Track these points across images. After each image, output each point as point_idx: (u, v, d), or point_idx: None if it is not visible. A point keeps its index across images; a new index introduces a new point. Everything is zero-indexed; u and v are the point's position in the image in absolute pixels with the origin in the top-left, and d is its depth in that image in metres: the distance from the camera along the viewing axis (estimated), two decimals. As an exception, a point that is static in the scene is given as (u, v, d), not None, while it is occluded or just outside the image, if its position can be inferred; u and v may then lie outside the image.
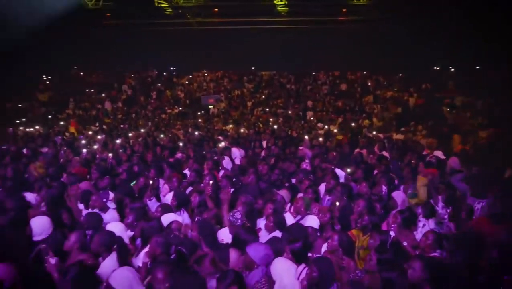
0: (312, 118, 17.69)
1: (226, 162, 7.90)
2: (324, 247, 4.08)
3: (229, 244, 4.08)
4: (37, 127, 14.81)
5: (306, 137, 11.06)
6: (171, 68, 26.66)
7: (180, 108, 21.13)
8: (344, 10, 21.66)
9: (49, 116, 19.05)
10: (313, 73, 24.69)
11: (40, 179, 6.20)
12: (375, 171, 7.10)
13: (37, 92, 22.14)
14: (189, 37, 23.85)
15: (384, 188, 5.86)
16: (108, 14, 22.43)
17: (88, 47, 22.51)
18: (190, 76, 25.75)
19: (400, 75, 23.05)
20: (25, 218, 4.59)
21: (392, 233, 4.05)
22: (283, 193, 5.56)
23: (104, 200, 5.21)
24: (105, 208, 5.16)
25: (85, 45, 22.33)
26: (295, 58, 23.38)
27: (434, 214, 4.91)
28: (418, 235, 4.45)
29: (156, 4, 20.73)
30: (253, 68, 25.76)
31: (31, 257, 3.97)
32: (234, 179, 6.45)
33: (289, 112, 19.41)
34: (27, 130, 13.92)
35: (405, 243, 4.06)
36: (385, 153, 8.85)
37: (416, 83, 20.25)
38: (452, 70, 22.23)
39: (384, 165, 7.48)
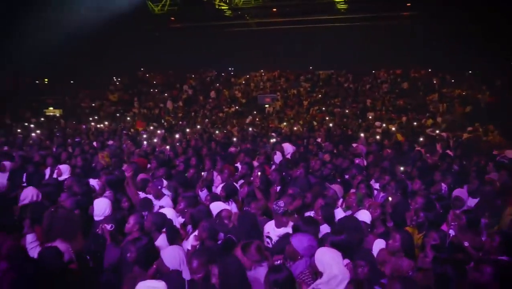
0: (370, 117, 16.99)
1: (278, 157, 7.86)
2: (378, 244, 3.85)
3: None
4: (106, 123, 15.98)
5: (362, 134, 10.64)
6: (230, 69, 27.26)
7: (237, 107, 21.52)
8: (409, 4, 20.55)
9: (118, 114, 20.46)
10: (373, 71, 23.73)
11: (105, 168, 6.69)
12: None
13: (108, 93, 23.94)
14: (248, 38, 24.23)
15: (444, 186, 5.43)
16: (172, 18, 23.57)
17: (154, 50, 23.90)
18: (247, 76, 26.12)
19: (470, 72, 21.26)
20: (89, 201, 5.00)
21: (451, 232, 3.72)
22: (336, 187, 5.38)
23: (159, 187, 5.44)
24: (160, 195, 5.42)
25: (151, 48, 23.75)
26: (354, 56, 22.64)
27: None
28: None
29: (217, 7, 21.38)
30: (310, 67, 25.44)
31: (92, 234, 4.32)
32: (283, 173, 6.40)
33: (346, 111, 18.84)
34: (98, 126, 15.09)
35: (466, 244, 3.70)
36: (449, 152, 8.23)
37: (488, 80, 18.54)
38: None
39: (446, 164, 6.95)
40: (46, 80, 24.84)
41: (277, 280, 2.73)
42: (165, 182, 5.54)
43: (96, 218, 4.56)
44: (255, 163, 7.18)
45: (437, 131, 11.84)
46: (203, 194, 5.93)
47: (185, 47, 23.90)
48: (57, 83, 23.69)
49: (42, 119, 17.96)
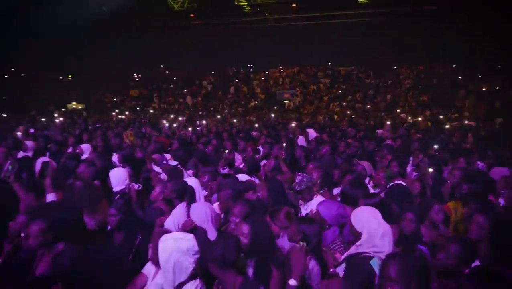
0: (398, 110, 16.47)
1: (301, 141, 7.60)
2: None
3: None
4: (127, 113, 16.08)
5: (388, 122, 10.25)
6: (249, 65, 27.14)
7: (256, 102, 21.35)
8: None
9: (138, 108, 20.61)
10: (395, 67, 23.15)
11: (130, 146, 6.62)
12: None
13: (129, 88, 24.19)
14: (267, 34, 24.06)
15: (481, 164, 5.05)
16: (192, 15, 23.62)
17: (173, 47, 24.03)
18: (267, 72, 25.94)
19: (499, 67, 20.43)
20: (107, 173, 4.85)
21: (501, 201, 3.37)
22: (365, 164, 5.08)
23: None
24: None
25: (170, 45, 23.89)
26: (375, 52, 22.14)
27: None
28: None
29: (236, 3, 21.28)
30: (329, 63, 25.06)
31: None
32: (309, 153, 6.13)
33: (368, 106, 18.39)
34: (119, 116, 15.20)
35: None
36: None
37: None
38: None
39: (481, 148, 6.54)
40: (70, 76, 25.32)
41: (305, 231, 2.49)
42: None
43: (114, 189, 4.40)
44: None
45: (466, 122, 11.31)
46: (224, 172, 5.74)
47: (205, 44, 23.91)
48: (80, 79, 24.12)
49: (63, 109, 18.27)
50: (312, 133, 8.45)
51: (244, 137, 7.27)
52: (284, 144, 6.68)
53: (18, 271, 2.60)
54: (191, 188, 4.04)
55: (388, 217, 3.00)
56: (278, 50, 24.31)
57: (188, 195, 3.83)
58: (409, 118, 13.25)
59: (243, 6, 21.88)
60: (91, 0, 18.31)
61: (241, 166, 5.83)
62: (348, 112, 16.79)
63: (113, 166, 5.60)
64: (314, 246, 2.69)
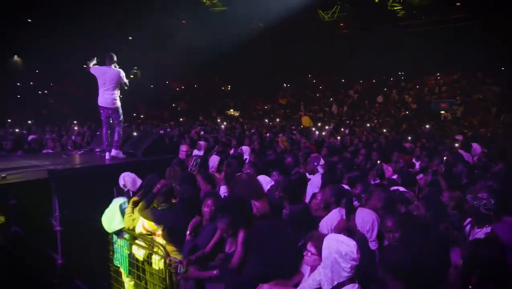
0: None
1: (466, 156, 6.71)
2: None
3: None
4: (277, 120, 17.17)
5: None
6: (400, 73, 25.35)
7: (407, 112, 19.81)
8: None
9: (286, 115, 21.76)
10: None
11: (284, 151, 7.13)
12: None
13: (279, 97, 25.73)
14: (422, 38, 21.97)
15: None
16: (342, 24, 23.55)
17: (321, 55, 24.33)
18: (420, 80, 23.75)
19: None
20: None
21: None
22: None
23: (315, 164, 5.46)
24: (315, 171, 5.45)
25: (318, 54, 24.27)
26: None
27: None
28: None
29: (389, 8, 20.25)
30: (502, 68, 21.26)
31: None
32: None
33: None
34: (270, 123, 16.39)
35: None
36: None
37: None
38: None
39: None
40: (229, 86, 28.59)
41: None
42: (321, 160, 5.48)
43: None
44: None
45: None
46: (375, 183, 5.56)
47: (353, 52, 23.46)
48: (238, 89, 26.95)
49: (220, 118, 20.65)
50: (477, 148, 7.38)
51: (396, 148, 6.87)
52: (445, 158, 6.04)
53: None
54: (349, 193, 4.09)
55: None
56: (434, 55, 21.88)
57: (346, 200, 3.88)
58: None
59: (397, 11, 20.65)
60: (249, 16, 20.27)
61: (393, 177, 5.56)
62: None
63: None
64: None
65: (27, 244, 5.59)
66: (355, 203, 4.64)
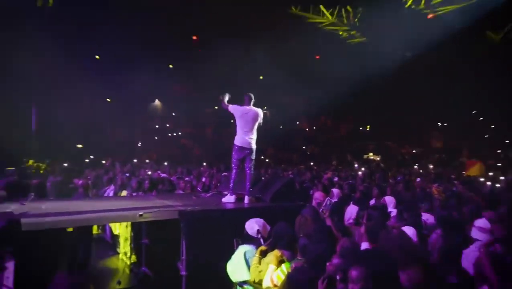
0: None
1: None
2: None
3: None
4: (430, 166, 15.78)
5: None
6: None
7: None
8: None
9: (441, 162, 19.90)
10: None
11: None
12: None
13: (433, 139, 23.87)
14: None
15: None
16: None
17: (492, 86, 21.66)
18: None
19: None
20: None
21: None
22: None
23: None
24: None
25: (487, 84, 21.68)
26: None
27: None
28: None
29: None
30: None
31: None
32: None
33: None
34: (420, 170, 15.20)
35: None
36: None
37: None
38: None
39: None
40: (368, 126, 27.90)
41: None
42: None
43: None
44: None
45: None
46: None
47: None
48: (379, 130, 26.04)
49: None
50: None
51: None
52: None
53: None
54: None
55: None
56: None
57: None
58: None
59: None
60: (394, 46, 19.60)
61: None
62: None
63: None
64: None
65: (154, 286, 6.26)
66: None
